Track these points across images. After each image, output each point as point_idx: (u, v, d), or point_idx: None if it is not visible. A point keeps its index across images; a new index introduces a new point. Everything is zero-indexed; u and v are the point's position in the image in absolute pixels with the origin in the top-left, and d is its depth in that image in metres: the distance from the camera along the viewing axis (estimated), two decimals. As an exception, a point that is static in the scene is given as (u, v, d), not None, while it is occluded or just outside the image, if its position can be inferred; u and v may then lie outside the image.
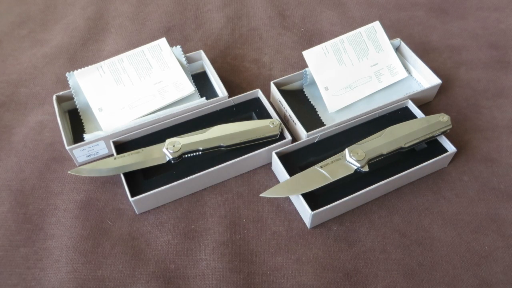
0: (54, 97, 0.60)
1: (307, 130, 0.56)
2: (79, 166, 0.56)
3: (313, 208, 0.49)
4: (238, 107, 0.61)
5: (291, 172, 0.52)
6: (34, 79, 0.69)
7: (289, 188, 0.50)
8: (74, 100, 0.60)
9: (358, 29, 0.64)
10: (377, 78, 0.63)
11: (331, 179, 0.50)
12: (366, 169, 0.50)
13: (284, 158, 0.54)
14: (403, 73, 0.64)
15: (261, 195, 0.50)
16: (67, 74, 0.61)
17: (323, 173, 0.49)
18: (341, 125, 0.57)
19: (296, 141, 0.58)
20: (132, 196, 0.50)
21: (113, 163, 0.53)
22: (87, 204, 0.54)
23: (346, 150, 0.51)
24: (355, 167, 0.50)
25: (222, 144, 0.54)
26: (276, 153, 0.54)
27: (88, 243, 0.51)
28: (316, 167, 0.50)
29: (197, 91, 0.62)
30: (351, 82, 0.62)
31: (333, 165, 0.50)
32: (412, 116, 0.59)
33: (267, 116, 0.60)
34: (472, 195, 0.54)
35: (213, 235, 0.51)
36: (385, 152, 0.51)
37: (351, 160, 0.50)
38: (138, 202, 0.51)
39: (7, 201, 0.54)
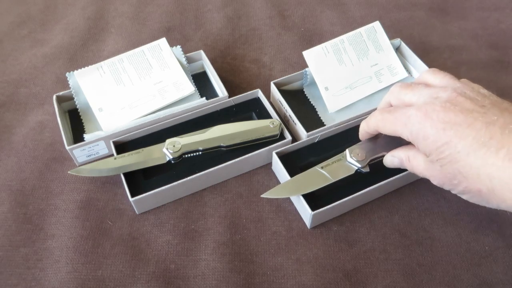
0: (54, 97, 0.60)
1: (307, 130, 0.56)
2: (79, 166, 0.56)
3: (313, 208, 0.49)
4: (238, 107, 0.61)
5: (291, 172, 0.52)
6: (34, 79, 0.69)
7: (290, 188, 0.50)
8: (74, 100, 0.60)
9: (358, 29, 0.64)
10: (377, 78, 0.63)
11: (331, 179, 0.50)
12: (367, 169, 0.50)
13: (284, 158, 0.54)
14: (403, 73, 0.64)
15: (262, 196, 0.50)
16: (67, 74, 0.61)
17: (324, 174, 0.49)
18: (341, 125, 0.57)
19: (296, 141, 0.58)
20: (132, 196, 0.50)
21: (113, 163, 0.53)
22: (87, 204, 0.54)
23: (347, 150, 0.50)
24: (356, 168, 0.50)
25: (222, 144, 0.54)
26: (276, 153, 0.54)
27: (88, 243, 0.51)
28: (317, 167, 0.50)
29: (197, 91, 0.62)
30: (351, 82, 0.62)
31: (334, 165, 0.50)
32: (412, 116, 0.59)
33: (267, 116, 0.60)
34: (472, 195, 0.54)
35: (213, 235, 0.51)
36: (386, 152, 0.51)
37: (351, 160, 0.50)
38: (138, 202, 0.51)
39: (7, 201, 0.54)
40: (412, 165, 0.43)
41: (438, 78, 0.41)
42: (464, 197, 0.39)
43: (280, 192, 0.50)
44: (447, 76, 0.41)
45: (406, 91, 0.41)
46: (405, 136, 0.40)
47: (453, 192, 0.40)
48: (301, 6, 0.82)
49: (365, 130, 0.46)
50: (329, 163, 0.51)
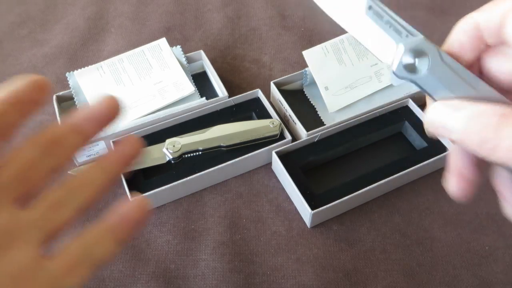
0: (54, 97, 0.60)
1: (307, 129, 0.56)
2: (79, 166, 0.56)
3: (313, 207, 0.49)
4: (238, 107, 0.61)
5: (292, 172, 0.52)
6: (34, 79, 0.69)
7: None
8: (74, 100, 0.60)
9: (358, 29, 0.64)
10: (377, 78, 0.63)
11: (354, 33, 0.32)
12: (396, 82, 0.30)
13: (284, 157, 0.54)
14: (403, 73, 0.64)
15: None
16: (67, 74, 0.61)
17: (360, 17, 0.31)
18: (341, 125, 0.57)
19: (296, 140, 0.58)
20: (132, 196, 0.50)
21: (113, 163, 0.53)
22: (87, 204, 0.54)
23: (421, 39, 0.29)
24: (390, 61, 0.30)
25: (222, 144, 0.54)
26: (276, 153, 0.54)
27: (88, 243, 0.50)
28: (368, 7, 0.30)
29: (197, 91, 0.62)
30: (351, 82, 0.62)
31: (378, 28, 0.31)
32: (412, 115, 0.59)
33: (267, 116, 0.60)
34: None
35: (213, 235, 0.51)
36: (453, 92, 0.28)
37: (400, 52, 0.29)
38: (138, 202, 0.51)
39: (7, 201, 0.54)
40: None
41: None
42: None
43: None
44: None
45: None
46: None
47: None
48: (301, 6, 0.82)
49: (428, 129, 0.26)
50: (382, 15, 0.31)
